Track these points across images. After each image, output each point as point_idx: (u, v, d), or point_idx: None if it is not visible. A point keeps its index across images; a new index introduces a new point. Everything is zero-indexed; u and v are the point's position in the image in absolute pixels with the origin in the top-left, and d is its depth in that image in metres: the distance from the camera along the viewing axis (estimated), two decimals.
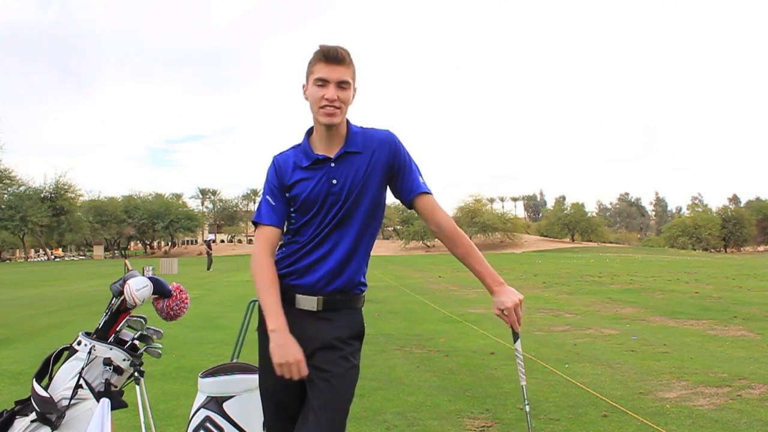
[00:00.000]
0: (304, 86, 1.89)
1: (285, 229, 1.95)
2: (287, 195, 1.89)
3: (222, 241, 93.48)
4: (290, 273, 1.87)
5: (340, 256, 1.85)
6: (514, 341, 1.96)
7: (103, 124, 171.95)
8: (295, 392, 1.87)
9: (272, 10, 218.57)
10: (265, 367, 1.90)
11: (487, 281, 1.90)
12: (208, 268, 27.80)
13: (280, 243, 1.95)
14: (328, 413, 1.75)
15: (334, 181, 1.84)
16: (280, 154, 1.95)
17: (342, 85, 1.81)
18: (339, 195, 1.84)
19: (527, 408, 1.98)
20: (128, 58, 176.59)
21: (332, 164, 1.85)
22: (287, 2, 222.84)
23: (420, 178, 1.94)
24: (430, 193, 1.94)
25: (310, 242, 1.86)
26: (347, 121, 1.90)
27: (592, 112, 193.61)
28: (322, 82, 1.80)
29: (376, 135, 1.91)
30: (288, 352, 1.73)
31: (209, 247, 30.16)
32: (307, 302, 1.84)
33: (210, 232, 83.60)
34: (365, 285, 1.96)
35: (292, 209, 1.90)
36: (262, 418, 2.38)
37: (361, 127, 1.93)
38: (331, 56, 1.79)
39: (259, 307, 1.92)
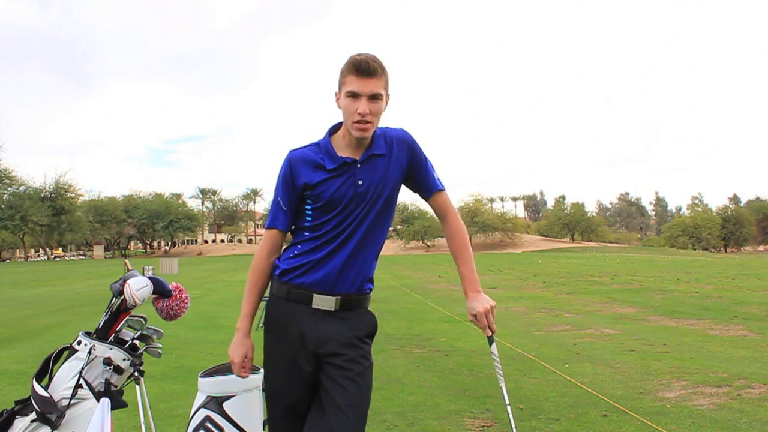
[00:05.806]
0: (336, 94, 1.87)
1: (297, 226, 1.92)
2: (307, 193, 1.87)
3: (222, 241, 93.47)
4: (305, 271, 1.85)
5: (358, 255, 1.85)
6: (489, 345, 1.98)
7: (103, 124, 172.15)
8: (305, 391, 1.86)
9: (272, 11, 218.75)
10: (272, 366, 1.90)
11: (465, 284, 1.95)
12: None
13: (293, 240, 1.94)
14: (354, 410, 1.76)
15: (360, 182, 1.84)
16: (297, 150, 1.91)
17: (375, 98, 1.79)
18: (364, 196, 1.85)
19: (509, 409, 1.99)
20: (128, 58, 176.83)
21: (358, 165, 1.85)
22: (287, 4, 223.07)
23: (435, 175, 1.99)
24: (443, 190, 2.00)
25: (328, 241, 1.85)
26: None
27: (592, 112, 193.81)
28: (354, 95, 1.78)
29: (394, 135, 1.93)
30: (236, 351, 1.92)
31: None
32: (325, 302, 1.84)
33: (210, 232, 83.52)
34: (373, 284, 1.96)
35: (309, 207, 1.88)
36: (263, 418, 2.38)
37: (380, 128, 1.93)
38: (363, 69, 1.77)
39: (266, 305, 1.94)
